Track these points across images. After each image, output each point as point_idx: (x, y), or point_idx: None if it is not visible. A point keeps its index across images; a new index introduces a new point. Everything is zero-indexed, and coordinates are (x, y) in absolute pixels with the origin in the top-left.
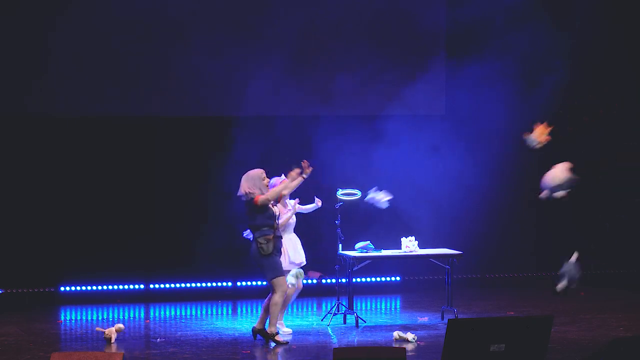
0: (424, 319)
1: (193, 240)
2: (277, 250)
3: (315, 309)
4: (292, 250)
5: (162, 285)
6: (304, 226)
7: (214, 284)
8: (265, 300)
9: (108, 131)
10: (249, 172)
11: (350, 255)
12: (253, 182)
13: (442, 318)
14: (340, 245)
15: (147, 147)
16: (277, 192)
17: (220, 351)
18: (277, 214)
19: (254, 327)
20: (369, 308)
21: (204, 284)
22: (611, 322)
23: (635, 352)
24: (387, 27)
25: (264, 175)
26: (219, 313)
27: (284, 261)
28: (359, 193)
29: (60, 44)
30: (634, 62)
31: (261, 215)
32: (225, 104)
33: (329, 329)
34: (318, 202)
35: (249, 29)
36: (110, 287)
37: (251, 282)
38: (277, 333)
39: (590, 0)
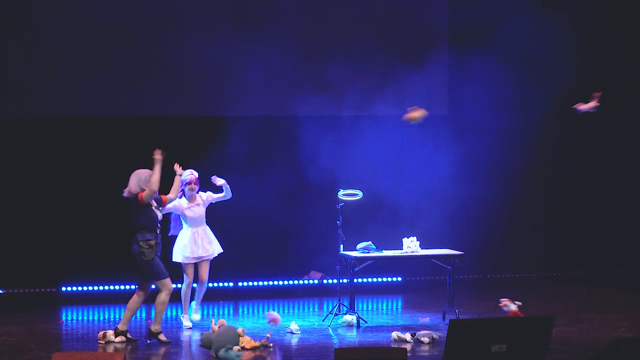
0: (425, 319)
1: None
2: (157, 254)
3: (316, 310)
4: (207, 243)
5: None
6: (306, 227)
7: (216, 284)
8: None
9: (106, 131)
10: (139, 170)
11: (352, 256)
12: (144, 181)
13: (444, 318)
14: (341, 246)
15: (145, 146)
16: (154, 189)
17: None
18: (160, 217)
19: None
20: (370, 308)
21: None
22: (612, 322)
23: (636, 352)
24: (388, 27)
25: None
26: (221, 313)
27: (194, 253)
28: (360, 193)
29: (38, 43)
30: (635, 60)
31: (143, 216)
32: (219, 103)
33: (330, 329)
34: (216, 181)
35: (242, 25)
36: (111, 287)
37: (252, 282)
38: (161, 332)
39: None
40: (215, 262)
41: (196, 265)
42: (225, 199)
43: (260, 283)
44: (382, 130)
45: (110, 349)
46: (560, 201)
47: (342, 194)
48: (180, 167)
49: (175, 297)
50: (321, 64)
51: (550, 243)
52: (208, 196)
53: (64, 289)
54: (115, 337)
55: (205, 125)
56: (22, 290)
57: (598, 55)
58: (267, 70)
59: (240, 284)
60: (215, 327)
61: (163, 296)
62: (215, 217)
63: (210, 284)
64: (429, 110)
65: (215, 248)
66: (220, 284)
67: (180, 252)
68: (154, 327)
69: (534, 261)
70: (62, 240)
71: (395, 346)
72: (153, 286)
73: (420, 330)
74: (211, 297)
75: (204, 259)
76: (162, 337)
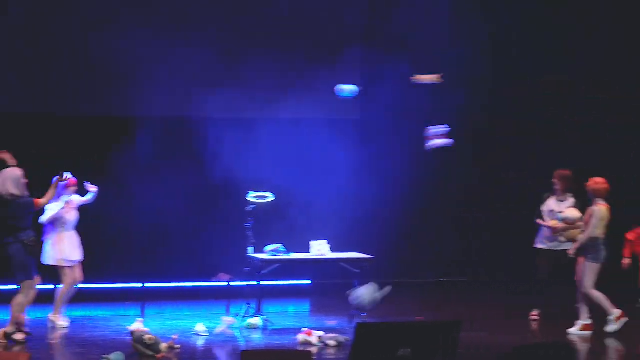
0: (332, 322)
1: (95, 241)
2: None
3: (224, 312)
4: (71, 248)
5: None
6: (215, 229)
7: (123, 285)
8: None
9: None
10: (8, 170)
11: (260, 258)
12: (17, 182)
13: (351, 322)
14: (250, 248)
15: (45, 144)
16: (50, 196)
17: (127, 352)
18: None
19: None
20: (278, 311)
21: (112, 285)
22: (518, 328)
23: (539, 358)
24: (302, 29)
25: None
26: (127, 314)
27: (59, 256)
28: (271, 196)
29: None
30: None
31: (30, 218)
32: (124, 103)
33: (237, 332)
34: (90, 188)
35: (150, 23)
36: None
37: (160, 283)
38: (15, 332)
39: None
40: (123, 263)
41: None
42: (87, 203)
43: (168, 284)
44: (293, 132)
45: (17, 348)
46: (471, 206)
47: (252, 196)
48: (66, 175)
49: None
50: (232, 65)
51: (460, 248)
52: (79, 200)
53: None
54: (7, 337)
55: (112, 125)
56: None
57: (510, 60)
58: (176, 69)
59: (147, 285)
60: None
61: (21, 298)
62: (121, 217)
63: (119, 285)
64: (341, 115)
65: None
66: (128, 285)
67: (61, 255)
68: (9, 329)
69: (444, 266)
70: None
71: (302, 349)
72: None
73: (327, 334)
74: (119, 299)
75: (78, 261)
76: (17, 336)
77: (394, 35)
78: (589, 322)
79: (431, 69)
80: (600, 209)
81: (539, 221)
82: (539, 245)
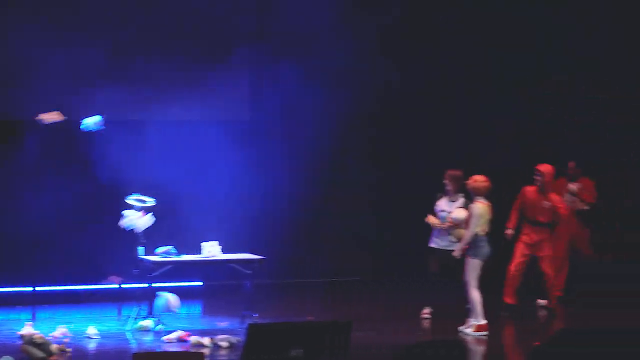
0: (224, 323)
1: None
2: None
3: (115, 314)
4: None
5: None
6: (106, 232)
7: (13, 289)
8: None
9: None
10: None
11: (151, 260)
12: None
13: (243, 323)
14: (141, 249)
15: None
16: None
17: (17, 357)
18: None
19: None
20: (169, 313)
21: (1, 289)
22: (409, 327)
23: (432, 356)
24: (194, 31)
25: None
26: (18, 318)
27: None
28: (151, 200)
29: None
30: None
31: None
32: (11, 106)
33: (128, 334)
34: None
35: (38, 23)
36: None
37: (50, 286)
38: None
39: None
40: (13, 267)
41: None
42: None
43: (59, 287)
44: (183, 134)
45: None
46: (363, 205)
47: (131, 198)
48: None
49: None
50: (120, 65)
51: (352, 248)
52: None
53: None
54: None
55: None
56: None
57: (405, 58)
58: (66, 72)
59: (38, 288)
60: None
61: None
62: (9, 220)
63: (8, 289)
64: (231, 116)
65: None
66: (18, 289)
67: None
68: None
69: (335, 266)
70: None
71: (194, 350)
72: None
73: (219, 335)
74: (10, 303)
75: None
76: None
77: (283, 36)
78: (482, 322)
79: (320, 69)
80: (478, 206)
81: (428, 219)
82: (432, 244)
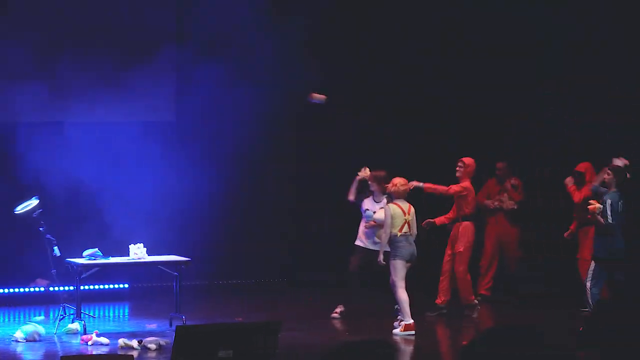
0: (152, 325)
1: None
2: None
3: (43, 317)
4: None
5: None
6: (30, 233)
7: None
8: None
9: None
10: None
11: (78, 263)
12: None
13: (171, 325)
14: (56, 249)
15: None
16: None
17: None
18: None
19: None
20: (97, 315)
21: None
22: (336, 326)
23: (361, 356)
24: (116, 32)
25: None
26: None
27: None
28: (34, 200)
29: None
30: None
31: None
32: None
33: (55, 337)
34: None
35: None
36: None
37: None
38: None
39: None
40: None
41: None
42: None
43: (6, 290)
44: (109, 136)
45: None
46: (289, 206)
47: (18, 209)
48: None
49: None
50: (43, 66)
51: (278, 249)
52: None
53: None
54: None
55: None
56: None
57: (328, 58)
58: None
59: None
60: None
61: None
62: None
63: None
64: (156, 117)
65: None
66: None
67: None
68: None
69: (261, 267)
70: None
71: (122, 353)
72: None
73: (147, 337)
74: None
75: None
76: None
77: (206, 36)
78: (410, 321)
79: (244, 70)
80: (391, 206)
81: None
82: (358, 243)
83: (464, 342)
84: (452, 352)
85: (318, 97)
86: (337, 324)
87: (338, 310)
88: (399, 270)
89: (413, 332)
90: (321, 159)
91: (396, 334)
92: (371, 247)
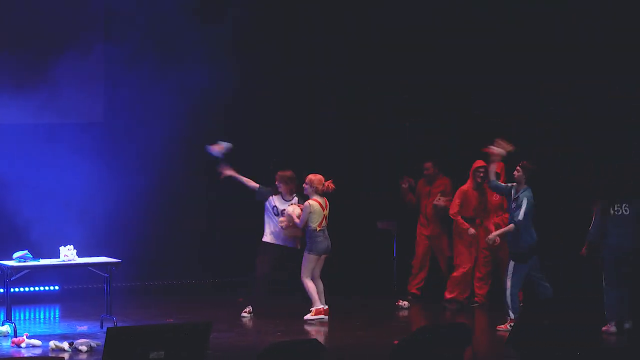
0: (83, 327)
1: None
2: None
3: None
4: None
5: None
6: None
7: None
8: None
9: None
10: None
11: (8, 265)
12: None
13: (102, 327)
14: None
15: None
16: None
17: None
18: None
19: None
20: (27, 318)
21: None
22: (269, 327)
23: (293, 356)
24: (41, 31)
25: None
26: None
27: None
28: None
29: None
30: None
31: None
32: None
33: None
34: None
35: None
36: None
37: None
38: None
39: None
40: None
41: None
42: None
43: None
44: (38, 137)
45: None
46: (216, 207)
47: None
48: None
49: None
50: None
51: (210, 250)
52: None
53: None
54: None
55: None
56: None
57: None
58: None
59: None
60: None
61: None
62: None
63: None
64: (84, 118)
65: None
66: None
67: None
68: None
69: (193, 268)
70: None
71: (53, 355)
72: None
73: (78, 339)
74: None
75: None
76: None
77: (136, 36)
78: (320, 306)
79: (173, 69)
80: (311, 203)
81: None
82: (266, 239)
83: (395, 342)
84: (383, 352)
85: (218, 147)
86: (268, 325)
87: (247, 310)
88: (309, 263)
89: (324, 316)
90: (250, 158)
91: (308, 319)
92: (281, 244)
